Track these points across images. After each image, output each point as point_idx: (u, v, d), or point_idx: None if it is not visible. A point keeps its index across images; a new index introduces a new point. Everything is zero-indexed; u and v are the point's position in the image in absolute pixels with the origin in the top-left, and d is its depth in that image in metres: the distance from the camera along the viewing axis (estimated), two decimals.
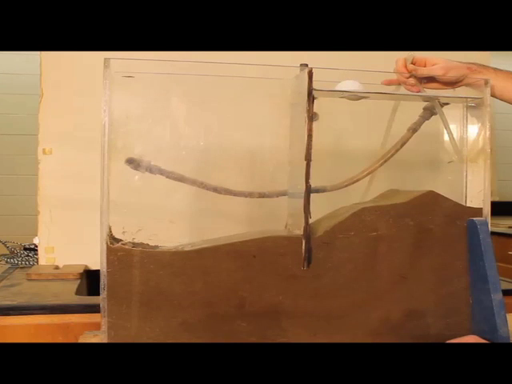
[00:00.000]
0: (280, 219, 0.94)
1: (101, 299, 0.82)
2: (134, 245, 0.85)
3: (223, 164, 1.01)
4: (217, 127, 0.93)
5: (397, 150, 0.99)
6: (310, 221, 0.86)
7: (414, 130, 0.99)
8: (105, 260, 0.82)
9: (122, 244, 0.83)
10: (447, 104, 0.99)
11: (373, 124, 1.03)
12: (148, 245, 0.87)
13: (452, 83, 0.99)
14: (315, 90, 0.85)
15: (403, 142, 0.99)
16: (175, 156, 0.90)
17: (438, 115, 0.98)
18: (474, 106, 0.98)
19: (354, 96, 0.93)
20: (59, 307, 1.15)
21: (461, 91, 1.00)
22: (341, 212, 0.91)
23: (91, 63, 1.06)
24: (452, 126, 0.99)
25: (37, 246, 1.58)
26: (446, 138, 1.00)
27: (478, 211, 0.94)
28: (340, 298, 0.89)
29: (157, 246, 0.87)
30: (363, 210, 0.90)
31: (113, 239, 0.84)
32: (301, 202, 0.86)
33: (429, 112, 0.99)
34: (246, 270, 0.86)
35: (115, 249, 0.82)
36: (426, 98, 0.98)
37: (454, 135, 0.99)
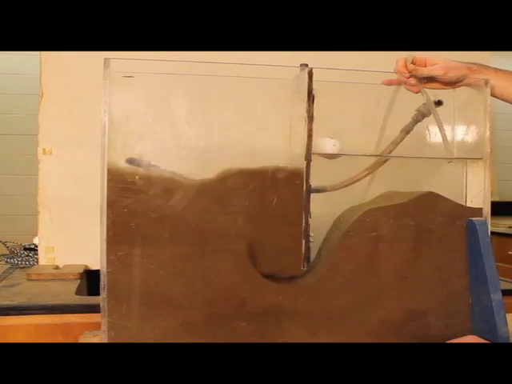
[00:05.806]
0: None
1: (101, 299, 0.82)
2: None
3: (223, 164, 1.01)
4: (217, 127, 0.93)
5: (390, 151, 0.99)
6: (310, 220, 0.87)
7: (406, 131, 1.00)
8: (105, 260, 0.82)
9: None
10: (441, 104, 0.99)
11: (373, 124, 1.03)
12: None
13: (452, 83, 0.99)
14: (314, 154, 0.86)
15: (397, 143, 0.99)
16: (175, 156, 0.90)
17: (431, 116, 0.99)
18: (474, 106, 0.98)
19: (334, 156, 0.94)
20: (59, 307, 1.15)
21: (460, 91, 1.00)
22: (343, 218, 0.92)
23: (91, 63, 1.06)
24: (451, 126, 1.00)
25: (37, 246, 1.58)
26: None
27: (478, 211, 0.94)
28: (340, 298, 0.89)
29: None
30: (363, 212, 0.90)
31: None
32: None
33: (421, 114, 0.99)
34: (246, 269, 0.86)
35: (115, 249, 0.82)
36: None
37: (454, 135, 0.99)
